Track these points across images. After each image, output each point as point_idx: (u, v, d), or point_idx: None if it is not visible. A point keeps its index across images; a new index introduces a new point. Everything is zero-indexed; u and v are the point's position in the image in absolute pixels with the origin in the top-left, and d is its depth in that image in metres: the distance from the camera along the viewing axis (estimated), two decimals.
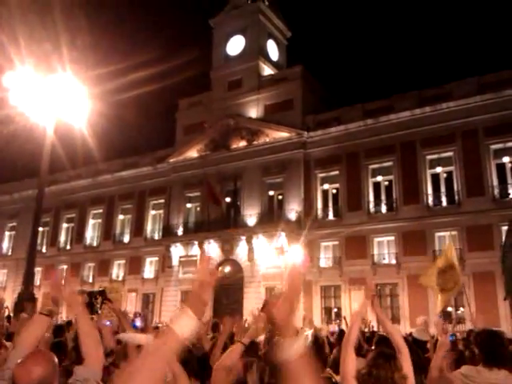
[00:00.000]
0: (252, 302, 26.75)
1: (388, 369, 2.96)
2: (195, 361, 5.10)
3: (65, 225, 39.86)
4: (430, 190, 25.36)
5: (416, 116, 26.14)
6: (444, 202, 24.97)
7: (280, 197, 30.06)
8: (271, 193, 30.39)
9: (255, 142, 30.92)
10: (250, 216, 29.52)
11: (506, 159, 23.87)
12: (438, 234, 24.18)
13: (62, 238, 39.46)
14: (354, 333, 3.43)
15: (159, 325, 15.56)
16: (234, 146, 31.71)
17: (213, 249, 30.49)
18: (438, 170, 25.55)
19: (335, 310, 26.21)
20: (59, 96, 9.52)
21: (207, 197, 30.38)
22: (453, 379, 4.08)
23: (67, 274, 34.09)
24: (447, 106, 25.39)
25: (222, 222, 30.07)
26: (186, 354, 5.09)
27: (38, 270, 32.81)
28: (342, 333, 12.17)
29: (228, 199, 30.92)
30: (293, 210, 28.36)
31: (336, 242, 26.89)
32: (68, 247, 38.72)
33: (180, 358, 5.01)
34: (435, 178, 25.64)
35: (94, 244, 37.42)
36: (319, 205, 28.36)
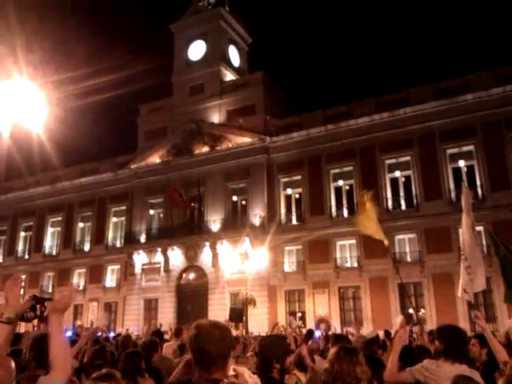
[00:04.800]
0: (217, 308, 26.71)
1: (350, 362, 2.96)
2: (142, 361, 5.13)
3: (22, 233, 38.71)
4: (389, 194, 25.95)
5: (374, 122, 26.69)
6: (403, 206, 25.59)
7: (244, 202, 30.14)
8: (235, 198, 30.43)
9: (218, 148, 30.89)
10: (214, 222, 29.45)
11: (461, 163, 24.68)
12: (397, 237, 24.73)
13: (20, 246, 38.31)
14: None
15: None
16: (197, 151, 31.58)
17: (176, 255, 30.28)
18: (397, 174, 26.17)
19: (299, 314, 26.43)
20: (15, 101, 9.27)
21: (171, 203, 30.13)
22: (413, 372, 4.16)
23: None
24: (404, 111, 26.05)
25: (185, 228, 29.90)
26: (134, 356, 5.12)
27: None
28: (309, 331, 12.47)
29: (191, 205, 30.75)
30: (256, 216, 28.47)
31: (299, 247, 27.14)
32: (26, 256, 37.63)
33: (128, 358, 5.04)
34: (394, 182, 26.25)
35: (54, 253, 36.47)
36: (283, 210, 28.57)
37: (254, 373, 4.29)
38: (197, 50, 34.75)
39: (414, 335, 11.41)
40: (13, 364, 2.51)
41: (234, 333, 17.42)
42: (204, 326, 2.45)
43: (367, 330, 21.30)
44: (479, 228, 19.98)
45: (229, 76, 33.98)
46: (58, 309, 2.55)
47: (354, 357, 3.01)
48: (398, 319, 9.90)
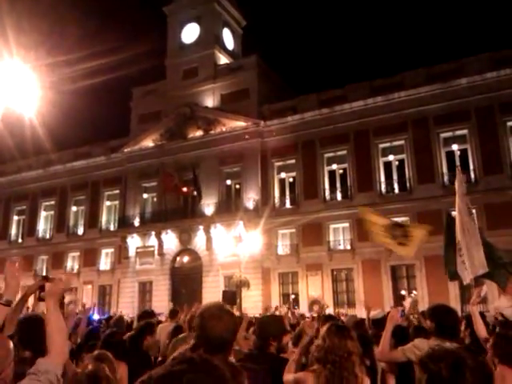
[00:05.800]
0: (211, 291, 26.89)
1: (341, 337, 3.02)
2: (121, 343, 5.17)
3: (15, 217, 38.62)
4: (382, 178, 26.08)
5: (368, 105, 26.68)
6: (396, 189, 25.74)
7: (237, 186, 30.17)
8: (229, 182, 30.46)
9: (212, 132, 30.81)
10: (208, 205, 29.48)
11: (454, 147, 24.79)
12: None
13: (13, 230, 38.24)
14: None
15: None
16: (191, 135, 31.48)
17: (170, 239, 30.34)
18: (390, 158, 26.26)
19: (293, 296, 26.70)
20: (6, 83, 9.14)
21: (165, 187, 30.11)
22: (405, 351, 4.21)
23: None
24: (398, 95, 26.04)
25: (179, 212, 29.93)
26: (111, 338, 5.19)
27: None
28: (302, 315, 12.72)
29: (185, 189, 30.73)
30: (250, 199, 28.54)
31: (293, 230, 27.29)
32: (20, 240, 37.59)
33: (105, 341, 5.11)
34: (387, 165, 26.35)
35: (47, 236, 36.48)
36: (276, 193, 28.65)
37: (250, 349, 4.38)
38: (190, 33, 34.44)
39: (416, 315, 11.57)
40: (11, 345, 2.54)
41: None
42: (209, 314, 2.50)
43: (360, 311, 21.55)
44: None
45: (223, 59, 33.75)
46: (54, 292, 2.54)
47: (345, 332, 3.06)
48: (408, 300, 10.14)
